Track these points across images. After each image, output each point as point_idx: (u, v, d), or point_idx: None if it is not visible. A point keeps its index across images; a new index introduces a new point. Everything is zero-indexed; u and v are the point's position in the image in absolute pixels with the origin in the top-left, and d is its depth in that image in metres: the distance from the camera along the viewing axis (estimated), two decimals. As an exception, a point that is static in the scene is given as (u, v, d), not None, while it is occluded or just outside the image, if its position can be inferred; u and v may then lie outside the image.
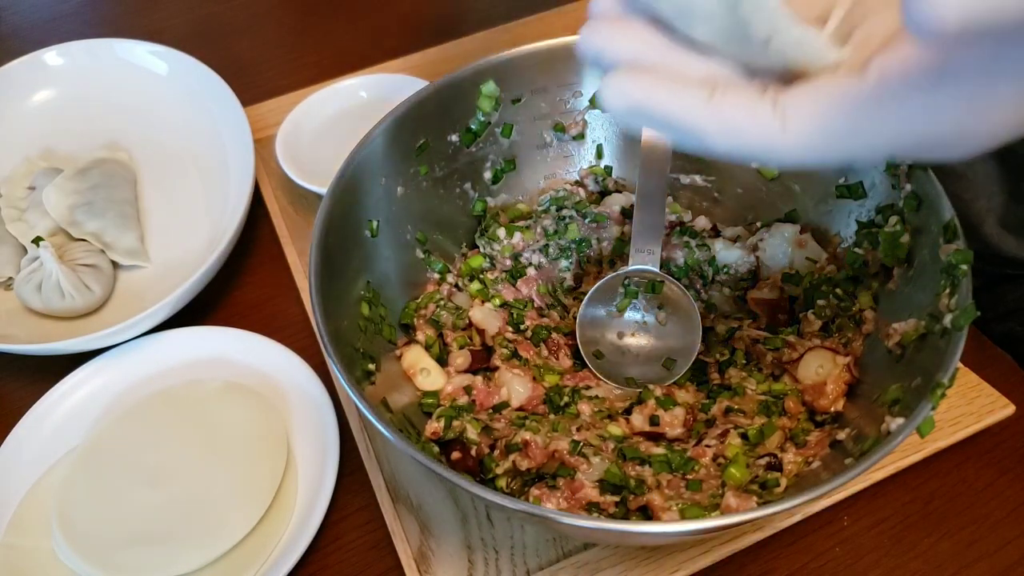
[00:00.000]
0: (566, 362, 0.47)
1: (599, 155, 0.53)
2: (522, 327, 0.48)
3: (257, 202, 0.60)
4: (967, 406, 0.45)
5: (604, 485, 0.41)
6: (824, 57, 0.24)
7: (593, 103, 0.51)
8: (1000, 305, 0.56)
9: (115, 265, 0.56)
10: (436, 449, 0.43)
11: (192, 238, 0.58)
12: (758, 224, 0.50)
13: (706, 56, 0.26)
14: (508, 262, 0.50)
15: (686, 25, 0.25)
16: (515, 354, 0.47)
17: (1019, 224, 0.54)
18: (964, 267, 0.36)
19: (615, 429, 0.43)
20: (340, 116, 0.63)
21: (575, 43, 0.49)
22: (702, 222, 0.51)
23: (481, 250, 0.51)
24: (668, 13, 0.25)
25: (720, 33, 0.25)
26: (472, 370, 0.47)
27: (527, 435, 0.42)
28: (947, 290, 0.37)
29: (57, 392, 0.50)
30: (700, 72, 0.25)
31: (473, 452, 0.43)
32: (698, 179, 0.52)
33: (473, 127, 0.50)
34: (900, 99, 0.22)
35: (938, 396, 0.33)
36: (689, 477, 0.41)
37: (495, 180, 0.52)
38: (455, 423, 0.44)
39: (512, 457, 0.42)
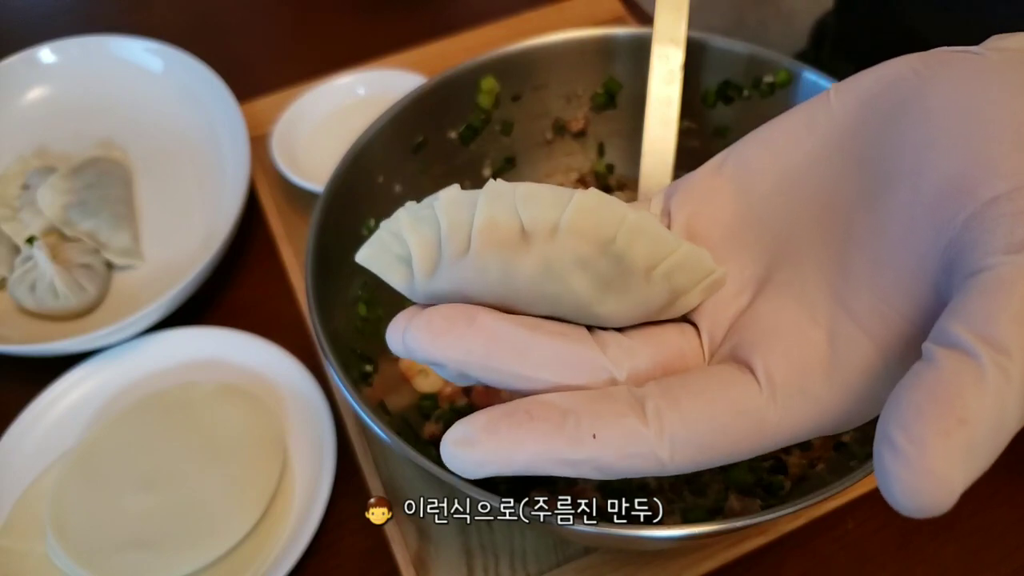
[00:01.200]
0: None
1: (601, 153, 0.53)
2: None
3: (252, 201, 0.59)
4: (973, 408, 0.44)
5: (606, 488, 0.40)
6: (711, 271, 0.23)
7: (595, 100, 0.51)
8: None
9: (109, 265, 0.56)
10: (435, 452, 0.42)
11: (187, 237, 0.57)
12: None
13: (553, 338, 0.23)
14: None
15: (550, 307, 0.23)
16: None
17: None
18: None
19: (616, 432, 0.42)
20: (337, 113, 0.62)
21: (576, 40, 0.49)
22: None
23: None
24: (526, 299, 0.23)
25: (590, 285, 0.23)
26: (471, 371, 0.46)
27: (527, 438, 0.42)
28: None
29: (51, 394, 0.49)
30: (556, 398, 0.22)
31: (472, 455, 0.42)
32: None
33: (473, 124, 0.49)
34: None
35: (946, 399, 0.33)
36: (692, 480, 0.40)
37: (495, 178, 0.52)
38: (454, 425, 0.43)
39: (512, 460, 0.41)
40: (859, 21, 0.63)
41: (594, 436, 0.21)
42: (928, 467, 0.16)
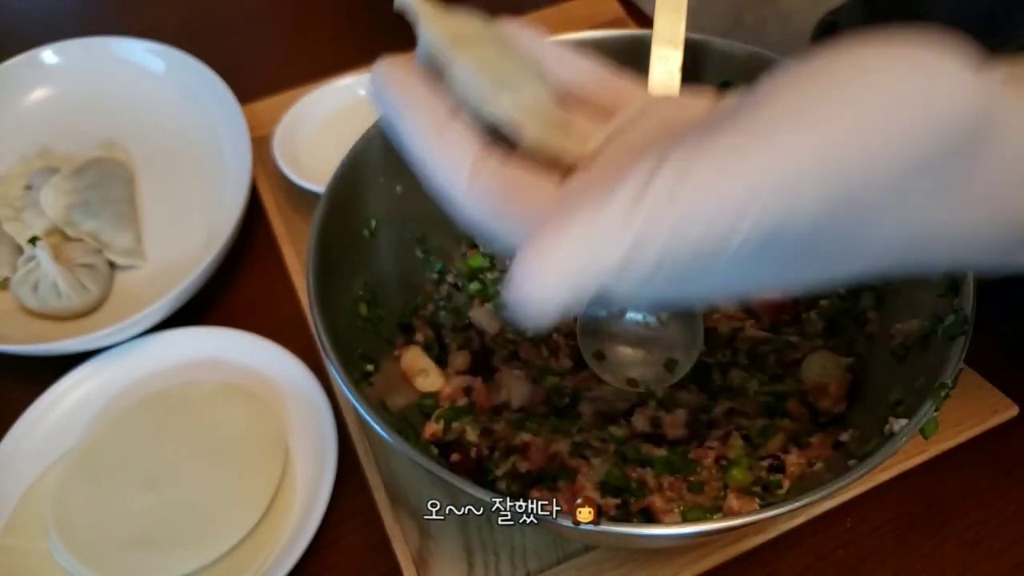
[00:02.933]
0: (567, 363, 0.47)
1: (599, 153, 0.53)
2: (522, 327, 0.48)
3: (254, 201, 0.60)
4: (970, 407, 0.44)
5: (605, 487, 0.40)
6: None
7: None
8: (1006, 303, 0.55)
9: (112, 265, 0.56)
10: (435, 451, 0.43)
11: (189, 238, 0.57)
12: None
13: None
14: (509, 261, 0.50)
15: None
16: (515, 355, 0.46)
17: None
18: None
19: (616, 431, 0.43)
20: (338, 114, 0.62)
21: (575, 41, 0.49)
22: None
23: (481, 249, 0.50)
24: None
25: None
26: (472, 371, 0.46)
27: (527, 437, 0.42)
28: (950, 291, 0.36)
29: (53, 393, 0.50)
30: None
31: (473, 454, 0.42)
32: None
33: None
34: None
35: (941, 397, 0.33)
36: (691, 479, 0.40)
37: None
38: (454, 425, 0.43)
39: (512, 459, 0.42)
40: (879, 17, 0.62)
41: None
42: None
